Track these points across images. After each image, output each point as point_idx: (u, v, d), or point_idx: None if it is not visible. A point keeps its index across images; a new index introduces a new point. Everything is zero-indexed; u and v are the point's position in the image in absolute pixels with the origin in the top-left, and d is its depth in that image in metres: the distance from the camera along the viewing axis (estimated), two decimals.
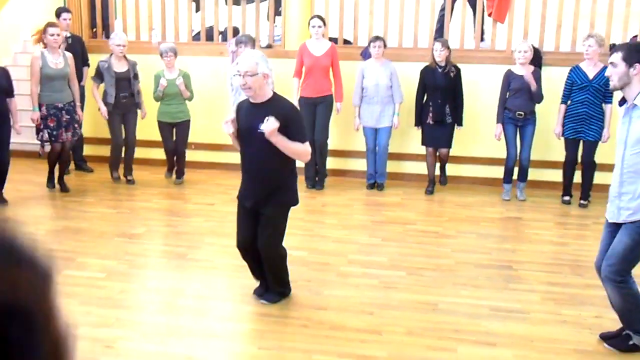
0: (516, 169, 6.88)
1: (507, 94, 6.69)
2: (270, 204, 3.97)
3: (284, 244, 4.20)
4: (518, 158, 6.81)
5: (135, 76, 7.09)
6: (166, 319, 4.02)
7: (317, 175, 7.20)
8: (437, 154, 7.07)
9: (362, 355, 3.58)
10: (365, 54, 7.27)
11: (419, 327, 3.93)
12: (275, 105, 3.87)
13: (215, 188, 7.15)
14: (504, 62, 7.19)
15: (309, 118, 7.03)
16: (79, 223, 5.88)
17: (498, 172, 7.34)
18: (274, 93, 3.97)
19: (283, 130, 3.79)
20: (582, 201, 6.63)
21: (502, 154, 7.17)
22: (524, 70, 6.59)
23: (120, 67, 6.99)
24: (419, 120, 6.98)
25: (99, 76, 6.98)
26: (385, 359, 3.55)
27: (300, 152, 3.91)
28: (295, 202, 4.11)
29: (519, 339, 3.81)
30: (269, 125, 3.75)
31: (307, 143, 3.95)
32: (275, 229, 4.04)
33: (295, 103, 7.08)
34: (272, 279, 4.18)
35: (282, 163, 3.91)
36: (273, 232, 4.03)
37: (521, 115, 6.63)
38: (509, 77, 6.67)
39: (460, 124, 6.94)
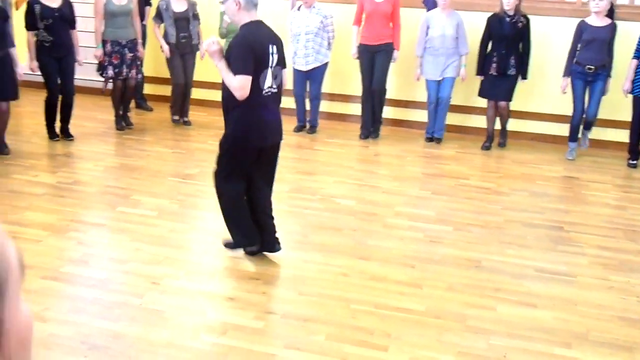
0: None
1: (578, 45, 6.42)
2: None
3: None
4: (585, 115, 6.58)
5: (195, 16, 7.11)
6: (211, 260, 4.14)
7: (373, 124, 7.14)
8: (497, 107, 6.90)
9: (400, 307, 3.61)
10: (427, 2, 7.08)
11: (460, 283, 3.93)
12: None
13: None
14: (573, 15, 6.89)
15: (367, 65, 6.96)
16: (136, 161, 6.05)
17: (560, 129, 7.14)
18: (250, 22, 3.74)
19: (227, 57, 3.72)
20: None
21: (566, 110, 6.95)
22: (599, 21, 6.30)
23: (179, 6, 7.02)
24: (482, 71, 6.80)
25: (159, 16, 7.05)
26: (423, 313, 3.57)
27: (228, 82, 3.67)
28: (230, 140, 3.86)
29: (561, 302, 3.76)
30: (205, 45, 3.78)
31: (239, 78, 3.62)
32: (217, 161, 3.98)
33: (354, 51, 7.01)
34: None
35: (229, 92, 3.72)
36: (216, 163, 3.97)
37: (591, 69, 6.36)
38: (582, 27, 6.38)
39: (525, 76, 6.73)
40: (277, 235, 4.14)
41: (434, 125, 7.10)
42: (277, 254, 4.20)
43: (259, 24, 3.80)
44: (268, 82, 3.77)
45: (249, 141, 3.82)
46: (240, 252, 4.18)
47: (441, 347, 3.27)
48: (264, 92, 3.76)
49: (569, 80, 6.51)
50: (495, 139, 7.02)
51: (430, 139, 7.13)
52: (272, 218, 4.14)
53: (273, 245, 4.14)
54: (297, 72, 7.10)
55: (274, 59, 3.77)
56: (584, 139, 6.72)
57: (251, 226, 4.06)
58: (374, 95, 7.03)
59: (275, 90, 3.84)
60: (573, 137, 6.68)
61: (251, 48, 3.65)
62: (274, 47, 3.78)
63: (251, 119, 3.77)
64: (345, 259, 4.19)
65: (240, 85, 3.63)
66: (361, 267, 4.07)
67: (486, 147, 6.94)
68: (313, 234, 4.56)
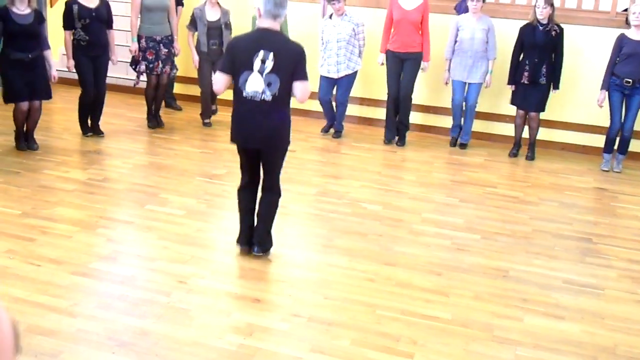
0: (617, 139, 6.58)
1: (617, 59, 6.34)
2: None
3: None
4: (621, 129, 6.48)
5: (227, 25, 7.14)
6: (238, 261, 4.16)
7: (398, 131, 7.12)
8: (527, 117, 6.84)
9: (426, 315, 3.60)
10: (460, 9, 7.05)
11: (486, 292, 3.90)
12: None
13: (297, 135, 7.20)
14: (607, 25, 6.82)
15: (394, 72, 6.94)
16: (164, 159, 6.11)
17: (590, 139, 7.07)
18: (257, 28, 3.96)
19: None
20: None
21: (598, 121, 6.89)
22: (639, 35, 6.23)
23: (212, 15, 7.05)
24: (513, 79, 6.75)
25: (194, 24, 7.08)
26: (449, 321, 3.55)
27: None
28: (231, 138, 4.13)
29: (589, 315, 3.72)
30: None
31: (216, 73, 4.05)
32: None
33: (380, 59, 6.99)
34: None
35: None
36: None
37: (629, 82, 6.28)
38: (622, 41, 6.31)
39: (556, 86, 6.66)
40: (259, 239, 4.18)
41: (459, 126, 7.07)
42: (303, 257, 4.23)
43: (259, 31, 3.92)
44: (253, 86, 3.83)
45: (232, 138, 4.11)
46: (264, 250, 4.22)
47: (467, 356, 3.25)
48: (244, 94, 3.86)
49: (606, 93, 6.42)
50: (522, 149, 6.95)
51: (455, 141, 7.10)
52: (262, 222, 4.18)
53: (252, 246, 4.20)
54: (324, 78, 7.10)
55: (264, 64, 3.79)
56: (618, 162, 6.62)
57: (242, 221, 4.23)
58: (398, 103, 7.01)
59: (269, 99, 3.83)
60: (608, 148, 6.59)
61: (231, 48, 3.96)
62: (268, 53, 3.78)
63: (233, 117, 4.06)
64: (371, 264, 4.19)
65: (214, 80, 4.04)
66: (387, 273, 4.06)
67: (513, 154, 6.88)
68: (339, 238, 4.56)
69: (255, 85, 3.82)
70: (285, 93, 3.87)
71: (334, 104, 7.25)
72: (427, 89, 7.48)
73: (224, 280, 3.89)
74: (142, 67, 6.88)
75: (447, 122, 7.44)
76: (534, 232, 4.90)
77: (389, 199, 5.43)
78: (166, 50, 6.92)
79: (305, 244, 4.53)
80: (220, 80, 3.93)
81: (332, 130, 7.29)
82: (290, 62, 3.82)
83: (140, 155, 6.27)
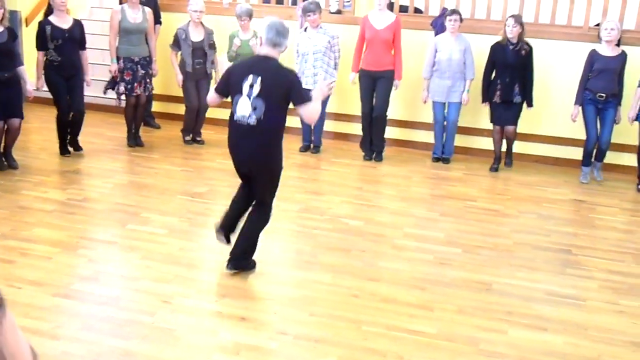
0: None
1: (590, 74, 6.45)
2: None
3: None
4: (598, 143, 6.57)
5: (211, 46, 7.15)
6: (222, 279, 4.13)
7: (372, 148, 7.15)
8: (504, 130, 6.92)
9: (412, 329, 3.60)
10: (436, 24, 7.13)
11: (470, 306, 3.92)
12: None
13: None
14: (579, 39, 6.95)
15: (367, 90, 6.99)
16: (145, 178, 6.06)
17: (565, 152, 7.17)
18: (255, 55, 4.36)
19: None
20: None
21: (571, 133, 7.01)
22: (610, 51, 6.35)
23: (196, 35, 7.04)
24: (487, 97, 6.83)
25: (177, 44, 7.08)
26: (435, 335, 3.56)
27: None
28: None
29: (571, 326, 3.75)
30: (325, 87, 4.20)
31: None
32: None
33: (351, 77, 7.03)
34: None
35: None
36: None
37: (602, 97, 6.39)
38: (593, 57, 6.42)
39: (530, 104, 6.75)
40: (234, 256, 4.16)
41: (441, 145, 7.13)
42: (287, 274, 4.23)
43: (255, 57, 4.20)
44: (241, 110, 3.90)
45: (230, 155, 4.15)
46: (251, 270, 4.20)
47: None
48: (235, 117, 3.95)
49: (580, 108, 6.51)
50: (501, 159, 7.03)
51: (437, 159, 7.15)
52: (241, 239, 4.16)
53: (228, 260, 4.17)
54: None
55: (251, 89, 3.85)
56: (597, 171, 6.72)
57: (229, 207, 4.30)
58: (372, 122, 7.04)
59: (253, 123, 3.86)
60: (586, 161, 6.67)
61: (227, 72, 4.12)
62: (257, 78, 3.85)
63: (228, 140, 4.10)
64: (355, 280, 4.19)
65: (208, 95, 4.27)
66: (371, 289, 4.07)
67: (494, 169, 6.95)
68: (322, 255, 4.56)
69: (243, 109, 3.89)
70: (270, 118, 3.87)
71: None
72: (403, 104, 7.53)
73: (209, 299, 3.87)
74: (121, 88, 6.86)
75: (424, 136, 7.50)
76: (515, 244, 4.94)
77: (370, 214, 5.44)
78: (143, 71, 6.91)
79: (289, 261, 4.53)
80: (211, 97, 4.22)
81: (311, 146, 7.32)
82: (279, 88, 3.88)
83: (121, 175, 6.22)
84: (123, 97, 6.96)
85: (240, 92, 3.89)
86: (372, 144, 7.14)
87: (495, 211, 5.70)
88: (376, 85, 6.96)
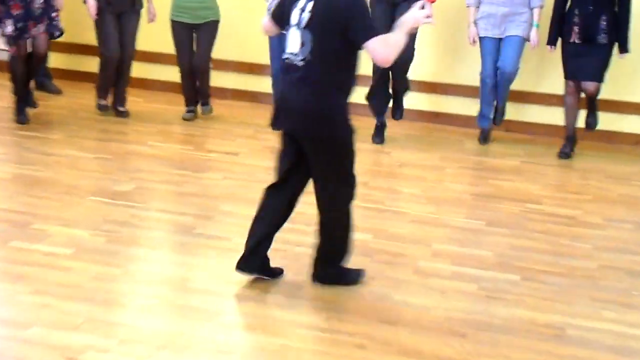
0: None
1: None
2: None
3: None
4: None
5: None
6: (158, 323, 4.08)
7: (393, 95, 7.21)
8: (582, 91, 6.93)
9: None
10: None
11: None
12: None
13: (242, 130, 7.19)
14: None
15: (385, 20, 6.93)
16: (39, 171, 6.04)
17: None
18: None
19: None
20: None
21: None
22: None
23: None
24: (554, 37, 6.83)
25: None
26: None
27: None
28: None
29: None
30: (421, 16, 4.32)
31: None
32: None
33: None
34: None
35: None
36: None
37: None
38: None
39: (624, 48, 6.78)
40: (316, 271, 4.50)
41: (491, 113, 7.12)
42: (257, 315, 4.22)
43: None
44: (289, 46, 4.17)
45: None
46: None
47: None
48: (284, 56, 4.23)
49: None
50: (580, 145, 7.04)
51: (486, 136, 7.15)
52: (319, 252, 4.47)
53: (244, 264, 4.43)
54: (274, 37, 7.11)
55: (301, 16, 4.09)
56: None
57: (249, 233, 4.45)
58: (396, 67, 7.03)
59: (300, 64, 4.11)
60: None
61: None
62: (309, 2, 4.08)
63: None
64: (361, 322, 4.16)
65: (263, 23, 4.50)
66: (385, 336, 4.04)
67: (565, 154, 6.97)
68: (311, 285, 4.54)
69: (293, 44, 4.15)
70: (322, 60, 4.08)
71: None
72: (433, 57, 7.51)
73: (138, 353, 3.82)
74: (8, 28, 6.78)
75: (462, 106, 7.49)
76: (600, 268, 4.95)
77: (382, 223, 5.44)
78: (41, 3, 6.85)
79: (259, 295, 4.49)
80: (265, 24, 4.47)
81: None
82: (334, 16, 4.05)
83: (2, 165, 6.17)
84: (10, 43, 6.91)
85: (289, 23, 4.15)
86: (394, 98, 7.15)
87: (571, 219, 5.71)
88: (395, 13, 6.92)
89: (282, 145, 4.38)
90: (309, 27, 4.04)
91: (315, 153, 4.23)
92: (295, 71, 4.14)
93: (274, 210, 4.42)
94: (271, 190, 4.43)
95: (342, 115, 4.19)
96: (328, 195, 4.33)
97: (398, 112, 7.18)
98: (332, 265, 4.50)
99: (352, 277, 4.54)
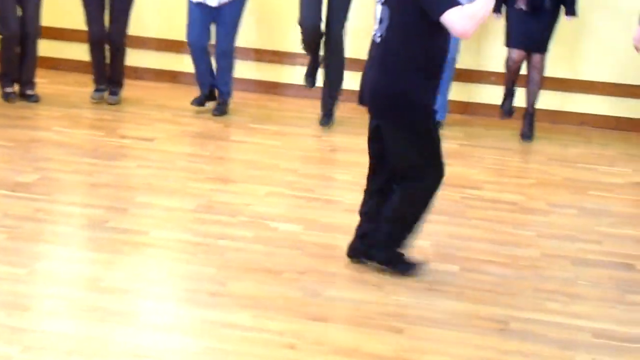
0: None
1: None
2: None
3: None
4: None
5: None
6: (67, 327, 4.04)
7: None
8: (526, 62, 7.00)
9: None
10: None
11: (476, 356, 3.94)
12: None
13: (159, 113, 7.13)
14: None
15: None
16: None
17: (626, 108, 7.28)
18: None
19: None
20: None
21: (635, 78, 7.10)
22: None
23: None
24: (499, 5, 6.88)
25: None
26: None
27: None
28: None
29: None
30: None
31: None
32: None
33: None
34: None
35: None
36: None
37: None
38: None
39: (571, 10, 6.86)
40: (372, 241, 4.67)
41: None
42: (178, 314, 4.21)
43: None
44: (375, 22, 4.36)
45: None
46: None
47: None
48: (373, 32, 4.41)
49: None
50: (515, 123, 7.11)
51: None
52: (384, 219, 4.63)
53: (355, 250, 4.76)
54: (195, 9, 7.10)
55: None
56: None
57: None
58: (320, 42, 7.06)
59: (378, 39, 4.34)
60: None
61: None
62: None
63: None
64: (290, 320, 4.16)
65: None
66: (316, 334, 4.05)
67: (508, 111, 7.10)
68: (236, 281, 4.53)
69: (376, 21, 4.36)
70: (398, 37, 4.24)
71: (212, 56, 7.23)
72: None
73: None
74: None
75: None
76: (544, 257, 5.01)
77: (313, 213, 5.46)
78: None
79: (178, 294, 4.48)
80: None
81: (211, 104, 7.25)
82: None
83: None
84: None
85: None
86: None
87: (513, 205, 5.78)
88: None
89: (369, 124, 4.60)
90: (387, 2, 4.21)
91: (386, 134, 4.42)
92: (375, 48, 4.35)
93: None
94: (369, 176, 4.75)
95: (415, 97, 4.28)
96: (401, 179, 4.51)
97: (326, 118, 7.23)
98: (391, 247, 4.64)
99: (407, 267, 4.64)
